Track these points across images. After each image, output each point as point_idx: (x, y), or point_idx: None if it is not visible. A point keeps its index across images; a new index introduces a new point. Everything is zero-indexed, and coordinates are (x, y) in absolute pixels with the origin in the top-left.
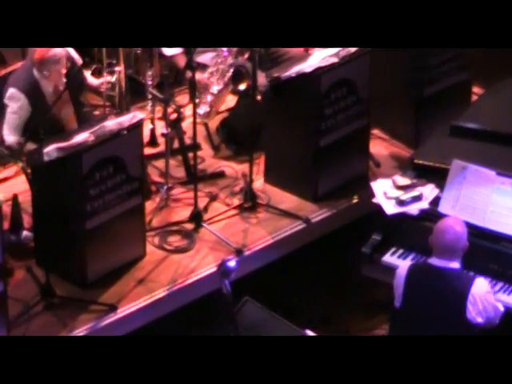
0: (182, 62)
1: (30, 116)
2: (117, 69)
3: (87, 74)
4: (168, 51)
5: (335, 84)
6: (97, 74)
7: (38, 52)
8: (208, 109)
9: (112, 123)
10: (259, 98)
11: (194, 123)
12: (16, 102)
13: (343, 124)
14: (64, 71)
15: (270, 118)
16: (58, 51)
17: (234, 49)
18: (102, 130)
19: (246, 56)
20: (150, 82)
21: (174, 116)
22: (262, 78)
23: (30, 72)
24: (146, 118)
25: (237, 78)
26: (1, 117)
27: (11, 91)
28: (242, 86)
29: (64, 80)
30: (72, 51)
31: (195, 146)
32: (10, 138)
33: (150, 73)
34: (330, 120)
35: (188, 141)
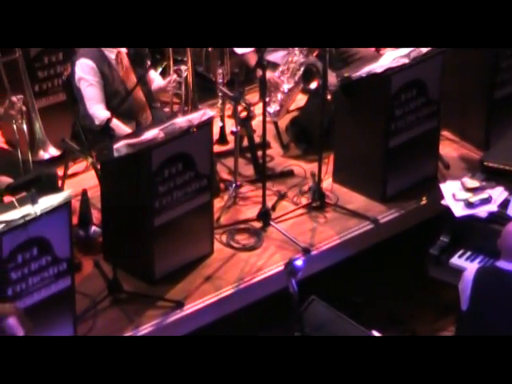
0: (252, 60)
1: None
2: (183, 68)
3: (155, 73)
4: (239, 49)
5: (406, 85)
6: (167, 71)
7: None
8: (278, 107)
9: (182, 120)
10: (329, 97)
11: (264, 121)
12: (88, 72)
13: (413, 125)
14: None
15: (339, 118)
16: None
17: (305, 49)
18: (172, 126)
19: (316, 54)
20: (220, 80)
21: (244, 114)
22: (332, 78)
23: None
24: (216, 115)
25: (307, 76)
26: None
27: (80, 62)
28: (313, 85)
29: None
30: None
31: (264, 145)
32: (100, 112)
33: (220, 71)
34: (399, 121)
35: (257, 139)
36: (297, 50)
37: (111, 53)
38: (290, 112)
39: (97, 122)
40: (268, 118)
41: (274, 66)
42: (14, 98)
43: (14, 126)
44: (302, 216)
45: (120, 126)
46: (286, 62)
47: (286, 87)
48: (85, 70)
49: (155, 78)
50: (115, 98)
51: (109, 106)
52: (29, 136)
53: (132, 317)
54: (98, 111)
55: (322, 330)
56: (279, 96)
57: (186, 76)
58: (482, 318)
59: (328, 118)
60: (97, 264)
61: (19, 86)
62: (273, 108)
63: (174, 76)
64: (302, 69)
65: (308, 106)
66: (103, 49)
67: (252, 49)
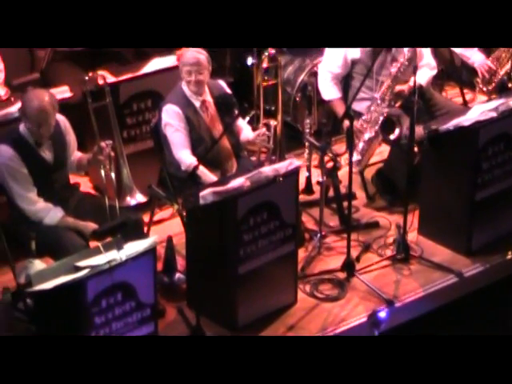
0: (339, 108)
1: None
2: (272, 123)
3: (243, 123)
4: (326, 95)
5: (493, 138)
6: (255, 120)
7: (178, 54)
8: (359, 157)
9: (268, 169)
10: (416, 149)
11: (350, 172)
12: (174, 118)
13: (500, 178)
14: (200, 78)
15: (425, 170)
16: (190, 55)
17: (387, 96)
18: (259, 175)
19: (399, 105)
20: (307, 130)
21: (330, 164)
22: (418, 130)
23: (180, 85)
24: (302, 165)
25: (388, 126)
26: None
27: (166, 107)
28: (392, 136)
29: (207, 90)
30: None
31: (350, 195)
32: (186, 157)
33: (308, 121)
34: (486, 174)
35: (343, 190)
36: (379, 100)
37: (197, 100)
38: (377, 163)
39: (183, 168)
40: (354, 169)
41: (360, 115)
42: (103, 144)
43: (102, 172)
44: (386, 268)
45: (206, 174)
46: (369, 111)
47: (367, 136)
48: (171, 115)
49: (243, 128)
50: (200, 145)
51: (194, 153)
52: (116, 182)
53: None
54: (184, 156)
55: None
56: (360, 145)
57: (275, 128)
58: None
59: (414, 170)
60: (180, 310)
61: (108, 132)
62: (354, 157)
63: (263, 129)
64: (382, 118)
65: (392, 158)
66: (189, 95)
67: (339, 96)
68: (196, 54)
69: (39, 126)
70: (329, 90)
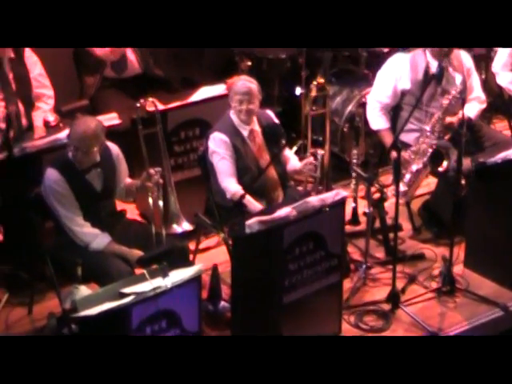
0: (387, 138)
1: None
2: (320, 152)
3: (290, 153)
4: (374, 125)
5: None
6: (302, 150)
7: (230, 81)
8: (406, 188)
9: (315, 199)
10: (463, 181)
11: (397, 204)
12: (220, 146)
13: None
14: (251, 107)
15: (472, 203)
16: (241, 84)
17: (437, 128)
18: (305, 205)
19: (449, 138)
20: (354, 161)
21: (377, 195)
22: (465, 162)
23: (228, 114)
24: (349, 195)
25: (436, 158)
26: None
27: (213, 135)
28: (441, 168)
29: (255, 119)
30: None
31: (396, 227)
32: (232, 185)
33: (355, 151)
34: None
35: (389, 221)
36: (429, 131)
37: (245, 129)
38: (423, 195)
39: (228, 196)
40: (401, 201)
41: (407, 146)
42: (151, 171)
43: (150, 199)
44: (431, 300)
45: (252, 203)
46: (417, 143)
47: (414, 168)
48: (218, 143)
49: (290, 157)
50: (247, 174)
51: (240, 182)
52: (163, 209)
53: None
54: (230, 185)
55: None
56: (407, 176)
57: (322, 158)
58: None
59: (461, 203)
60: None
61: (156, 159)
62: (401, 188)
63: (311, 159)
64: (431, 150)
65: (439, 190)
66: (237, 124)
67: (387, 126)
68: (248, 84)
69: (80, 153)
70: (377, 120)
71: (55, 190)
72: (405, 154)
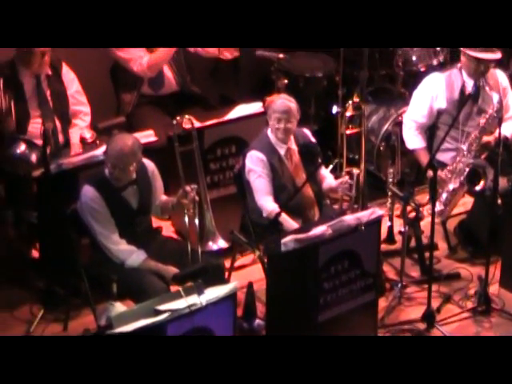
0: (423, 158)
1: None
2: (355, 171)
3: (326, 171)
4: (410, 144)
5: None
6: (338, 169)
7: (269, 99)
8: (442, 207)
9: (350, 218)
10: (499, 201)
11: (433, 223)
12: (257, 164)
13: None
14: (289, 126)
15: (509, 222)
16: (281, 103)
17: (474, 147)
18: (340, 223)
19: (485, 157)
20: (390, 179)
21: (412, 214)
22: (502, 182)
23: (265, 132)
24: (384, 214)
25: (473, 178)
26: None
27: (250, 153)
28: (478, 187)
29: (292, 138)
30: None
31: (432, 246)
32: (268, 204)
33: (391, 170)
34: None
35: (425, 240)
36: (465, 151)
37: (281, 148)
38: (459, 214)
39: (264, 214)
40: (437, 220)
41: (444, 166)
42: (188, 188)
43: (186, 216)
44: (466, 320)
45: (288, 221)
46: (453, 162)
47: (451, 187)
48: (255, 161)
49: (326, 176)
50: (283, 193)
51: (276, 200)
52: (199, 226)
53: None
54: (267, 203)
55: None
56: (444, 195)
57: (358, 176)
58: None
59: (497, 222)
60: None
61: (192, 176)
62: (437, 207)
63: (346, 178)
64: (468, 169)
65: (475, 209)
66: (274, 142)
67: (423, 145)
68: (287, 102)
69: (117, 170)
70: (413, 140)
71: (91, 207)
72: (441, 173)
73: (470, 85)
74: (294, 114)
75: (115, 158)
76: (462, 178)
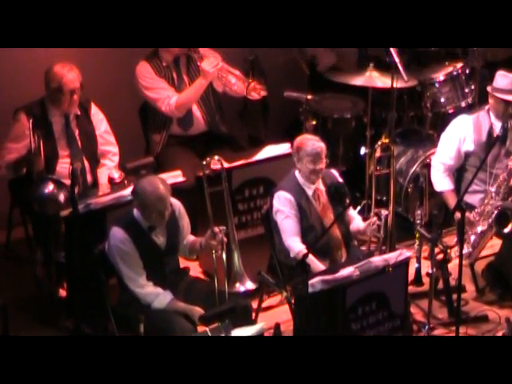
0: (451, 200)
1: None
2: (384, 212)
3: (354, 213)
4: (438, 186)
5: None
6: (366, 210)
7: (298, 140)
8: (471, 249)
9: (378, 259)
10: None
11: (460, 265)
12: (285, 205)
13: None
14: (321, 167)
15: None
16: (313, 144)
17: (502, 189)
18: (368, 265)
19: None
20: (418, 221)
21: (440, 256)
22: None
23: (293, 173)
24: (412, 256)
25: (502, 220)
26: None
27: (278, 194)
28: (507, 229)
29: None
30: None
31: (460, 288)
32: (296, 244)
33: (419, 212)
34: None
35: (453, 282)
36: (493, 193)
37: (309, 188)
38: (487, 257)
39: (292, 255)
40: (465, 262)
41: (472, 208)
42: (216, 229)
43: (214, 256)
44: None
45: (315, 262)
46: (482, 204)
47: (479, 229)
48: (283, 202)
49: (354, 217)
50: (310, 233)
51: (304, 240)
52: (227, 267)
53: None
54: (294, 244)
55: None
56: (472, 237)
57: (386, 218)
58: None
59: None
60: None
61: (220, 217)
62: (465, 249)
63: (374, 219)
64: (496, 212)
65: (503, 251)
66: (302, 183)
67: (451, 188)
68: (318, 144)
69: (155, 215)
70: (441, 182)
71: (121, 249)
72: (469, 216)
73: (497, 127)
74: (323, 155)
75: (154, 203)
76: (490, 221)
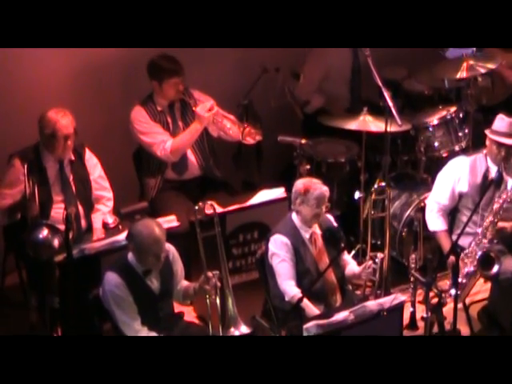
0: (444, 241)
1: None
2: (379, 255)
3: (349, 257)
4: (432, 226)
5: None
6: (361, 254)
7: (305, 183)
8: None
9: (373, 303)
10: None
11: (455, 309)
12: (281, 248)
13: None
14: (322, 211)
15: None
16: (320, 188)
17: (489, 232)
18: (363, 309)
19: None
20: (413, 265)
21: (435, 300)
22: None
23: (290, 216)
24: (407, 300)
25: (486, 262)
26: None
27: (274, 237)
28: (491, 271)
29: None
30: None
31: (455, 332)
32: (291, 288)
33: (413, 256)
34: None
35: (448, 326)
36: (480, 235)
37: (306, 232)
38: (482, 300)
39: (287, 299)
40: (459, 305)
41: (463, 250)
42: (209, 274)
43: (208, 301)
44: None
45: (310, 306)
46: (469, 246)
47: (465, 270)
48: (278, 245)
49: (349, 261)
50: (306, 277)
51: (299, 284)
52: (221, 312)
53: None
54: (289, 287)
55: None
56: (459, 279)
57: (381, 261)
58: None
59: None
60: None
61: (214, 262)
62: (453, 291)
63: (370, 262)
64: (480, 253)
65: (494, 294)
66: (299, 227)
67: (444, 228)
68: (324, 187)
69: (152, 258)
70: (435, 222)
71: (115, 294)
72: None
73: (493, 170)
74: (327, 200)
75: (150, 245)
76: (475, 263)
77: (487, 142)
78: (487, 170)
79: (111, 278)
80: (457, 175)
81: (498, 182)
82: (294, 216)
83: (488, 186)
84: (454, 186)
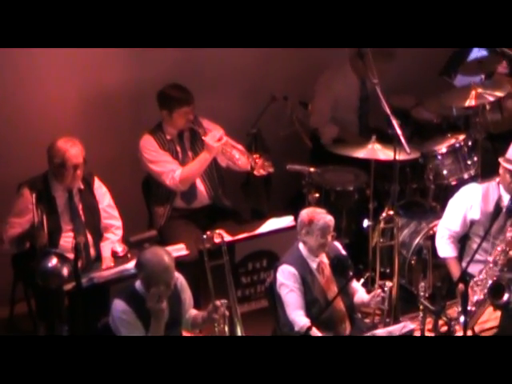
0: (453, 267)
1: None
2: (388, 283)
3: (358, 285)
4: (441, 252)
5: None
6: (370, 282)
7: (309, 213)
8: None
9: (382, 331)
10: None
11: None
12: (289, 278)
13: None
14: (328, 241)
15: None
16: (324, 217)
17: (500, 260)
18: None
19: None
20: (422, 293)
21: (444, 329)
22: None
23: (297, 246)
24: (416, 328)
25: (496, 291)
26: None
27: (282, 268)
28: (501, 300)
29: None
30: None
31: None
32: (300, 318)
33: (422, 284)
34: None
35: None
36: (491, 263)
37: (313, 261)
38: (493, 328)
39: (296, 329)
40: (468, 333)
41: (473, 277)
42: (218, 303)
43: (216, 330)
44: None
45: (319, 336)
46: (480, 273)
47: (475, 298)
48: (286, 275)
49: (358, 289)
50: (314, 306)
51: (308, 314)
52: None
53: None
54: (298, 317)
55: None
56: (468, 307)
57: (390, 290)
58: None
59: None
60: None
61: (223, 291)
62: (462, 319)
63: (379, 291)
64: (491, 282)
65: (503, 322)
66: (306, 256)
67: (454, 255)
68: (328, 217)
69: (163, 287)
70: (445, 248)
71: (123, 320)
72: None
73: (506, 199)
74: (332, 229)
75: (160, 273)
76: (485, 291)
77: (500, 171)
78: (500, 198)
79: (118, 305)
80: (469, 202)
81: (511, 210)
82: (300, 246)
83: (498, 213)
84: (465, 212)
